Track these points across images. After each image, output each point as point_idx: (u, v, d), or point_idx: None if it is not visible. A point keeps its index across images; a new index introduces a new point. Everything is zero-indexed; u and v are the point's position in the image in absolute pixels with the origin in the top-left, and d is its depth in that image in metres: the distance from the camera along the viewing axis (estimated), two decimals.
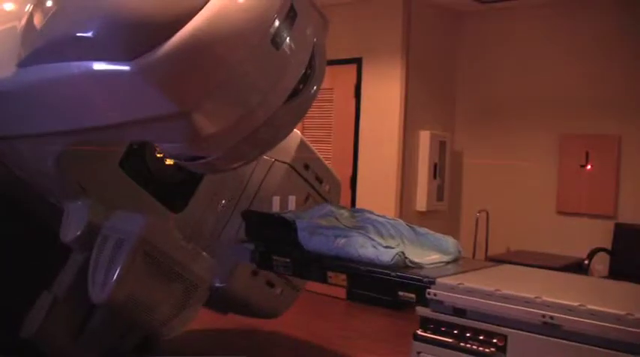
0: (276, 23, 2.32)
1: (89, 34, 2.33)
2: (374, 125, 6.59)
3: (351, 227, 2.87)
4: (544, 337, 2.21)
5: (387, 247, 2.66)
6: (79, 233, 3.13)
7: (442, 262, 2.76)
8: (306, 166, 4.07)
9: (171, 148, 2.70)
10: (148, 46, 2.22)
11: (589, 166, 6.13)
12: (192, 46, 2.22)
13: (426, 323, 2.47)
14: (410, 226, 2.95)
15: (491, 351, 2.31)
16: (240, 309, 4.21)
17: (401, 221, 2.99)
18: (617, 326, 2.09)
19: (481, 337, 2.33)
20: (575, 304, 2.18)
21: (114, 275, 2.92)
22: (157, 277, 3.03)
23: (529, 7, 6.38)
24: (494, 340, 2.30)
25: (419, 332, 2.48)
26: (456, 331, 2.39)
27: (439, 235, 2.91)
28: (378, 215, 3.02)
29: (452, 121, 7.02)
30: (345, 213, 3.10)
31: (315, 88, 2.69)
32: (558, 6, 6.24)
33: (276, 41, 2.34)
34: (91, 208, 3.14)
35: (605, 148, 6.04)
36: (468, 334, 2.37)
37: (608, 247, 5.86)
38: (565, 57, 6.26)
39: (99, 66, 2.36)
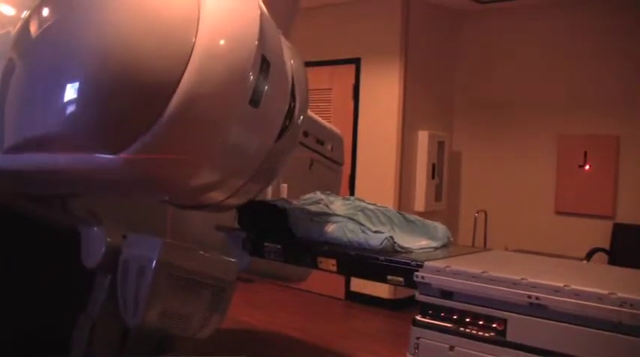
0: (251, 79, 2.30)
1: (69, 134, 2.32)
2: (372, 125, 6.62)
3: (341, 214, 2.89)
4: (544, 321, 2.22)
5: (376, 231, 2.68)
6: (100, 257, 3.16)
7: (431, 247, 2.78)
8: (305, 133, 4.02)
9: (173, 201, 2.76)
10: (132, 139, 2.22)
11: (587, 167, 6.14)
12: (174, 133, 2.23)
13: (425, 309, 2.48)
14: (400, 213, 2.98)
15: (491, 335, 2.32)
16: (267, 277, 4.26)
17: (391, 208, 3.02)
18: (601, 305, 2.10)
19: (481, 322, 2.34)
20: (560, 284, 2.20)
21: (143, 300, 2.99)
22: (185, 292, 3.10)
23: (528, 7, 6.41)
24: (494, 325, 2.31)
25: (418, 318, 2.49)
26: (455, 316, 2.40)
27: (429, 222, 2.94)
28: (369, 203, 3.04)
29: (450, 121, 7.05)
30: (336, 201, 3.12)
31: (301, 117, 2.72)
32: (556, 6, 6.27)
33: (254, 100, 2.34)
34: (106, 230, 3.18)
35: (604, 149, 6.06)
36: (467, 319, 2.38)
37: (607, 247, 5.85)
38: (563, 57, 6.28)
39: (85, 159, 2.36)
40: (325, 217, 2.86)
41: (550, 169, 6.35)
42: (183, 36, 2.21)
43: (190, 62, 2.18)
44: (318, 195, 3.17)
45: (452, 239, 2.90)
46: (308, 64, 6.85)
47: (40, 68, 2.46)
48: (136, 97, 2.20)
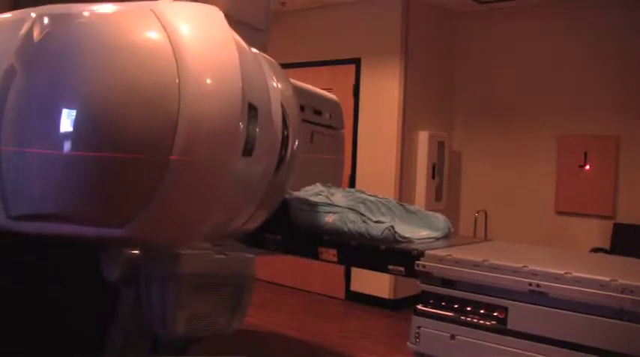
0: (241, 129, 2.29)
1: (70, 214, 2.31)
2: (372, 125, 6.62)
3: (342, 205, 2.89)
4: (545, 309, 2.22)
5: (377, 222, 2.68)
6: (120, 271, 3.17)
7: (432, 237, 2.78)
8: (301, 107, 3.88)
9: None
10: (134, 212, 2.23)
11: (587, 167, 6.12)
12: (173, 202, 2.24)
13: (426, 298, 2.48)
14: (401, 205, 2.98)
15: (492, 324, 2.32)
16: None
17: (391, 199, 3.02)
18: (602, 292, 2.10)
19: (482, 311, 2.34)
20: (561, 271, 2.20)
21: (170, 311, 3.00)
22: (208, 295, 3.11)
23: (528, 7, 6.41)
24: (495, 313, 2.31)
25: (419, 307, 2.49)
26: (456, 305, 2.40)
27: (429, 213, 2.94)
28: (370, 194, 3.04)
29: (451, 122, 7.04)
30: (337, 192, 3.12)
31: (296, 142, 2.73)
32: (557, 6, 6.27)
33: (247, 150, 2.35)
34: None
35: (604, 149, 6.04)
36: (468, 308, 2.37)
37: (607, 247, 5.84)
38: (563, 57, 6.27)
39: (92, 231, 2.36)
40: (326, 207, 2.86)
41: (550, 169, 6.34)
42: (167, 107, 2.18)
43: (178, 130, 2.16)
44: (319, 187, 3.17)
45: (452, 230, 2.90)
46: (308, 64, 6.90)
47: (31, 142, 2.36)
48: (130, 174, 2.20)
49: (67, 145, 2.23)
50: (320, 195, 3.04)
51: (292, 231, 2.94)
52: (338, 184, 3.59)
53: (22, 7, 2.86)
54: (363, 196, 3.00)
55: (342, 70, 6.78)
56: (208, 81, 2.24)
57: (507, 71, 6.64)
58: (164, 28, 2.25)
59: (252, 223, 2.77)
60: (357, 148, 6.72)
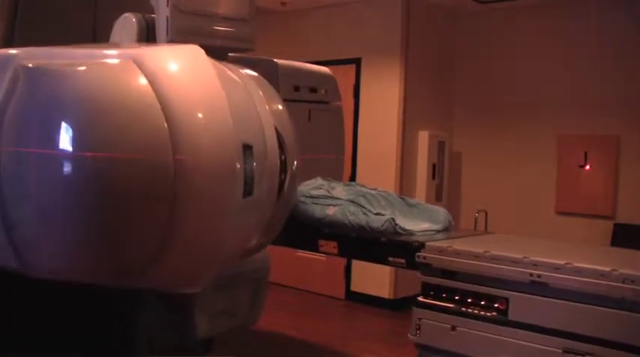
0: (238, 170, 2.27)
1: (83, 271, 2.32)
2: (373, 125, 6.62)
3: (343, 198, 2.89)
4: (546, 299, 2.22)
5: (377, 214, 2.68)
6: None
7: (433, 230, 2.78)
8: (296, 88, 3.90)
9: None
10: (148, 263, 2.24)
11: (588, 167, 6.12)
12: (181, 255, 2.25)
13: (427, 289, 2.48)
14: (401, 198, 2.98)
15: (493, 315, 2.32)
16: None
17: (392, 193, 3.02)
18: (603, 282, 2.10)
19: (482, 302, 2.34)
20: (562, 262, 2.20)
21: (191, 314, 3.06)
22: (227, 293, 3.15)
23: (528, 7, 6.42)
24: (496, 304, 2.31)
25: (420, 299, 2.49)
26: (457, 297, 2.40)
27: (430, 206, 2.94)
28: (370, 188, 3.04)
29: (451, 122, 7.04)
30: (338, 186, 3.12)
31: (295, 163, 2.71)
32: (557, 6, 6.28)
33: (247, 191, 2.34)
34: None
35: (604, 149, 6.04)
36: (469, 299, 2.37)
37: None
38: (563, 57, 6.28)
39: (108, 281, 2.38)
40: (327, 200, 2.87)
41: (550, 169, 6.33)
42: (163, 165, 2.15)
43: (177, 182, 2.15)
44: (320, 180, 3.17)
45: (453, 223, 2.90)
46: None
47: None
48: (136, 228, 2.20)
49: (67, 208, 2.19)
50: (321, 188, 3.04)
51: (293, 224, 2.94)
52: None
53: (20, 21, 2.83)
54: (364, 189, 3.01)
55: (342, 70, 6.76)
56: (200, 130, 2.19)
57: (507, 71, 6.64)
58: (147, 78, 2.20)
59: (260, 242, 2.77)
60: (357, 147, 6.72)
